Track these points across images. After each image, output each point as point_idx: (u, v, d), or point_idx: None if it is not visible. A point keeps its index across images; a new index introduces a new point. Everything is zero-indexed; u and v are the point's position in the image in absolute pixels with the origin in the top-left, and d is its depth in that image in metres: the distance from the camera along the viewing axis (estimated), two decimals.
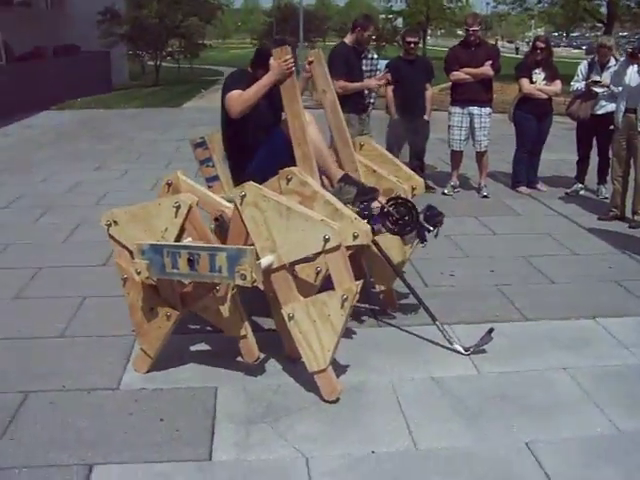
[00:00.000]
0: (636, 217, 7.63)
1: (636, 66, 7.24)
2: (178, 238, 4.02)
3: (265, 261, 3.83)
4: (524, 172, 9.24)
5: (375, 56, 8.44)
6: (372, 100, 8.29)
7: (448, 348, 4.64)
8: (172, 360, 4.46)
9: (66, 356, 4.56)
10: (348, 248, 3.96)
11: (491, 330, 4.61)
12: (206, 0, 33.38)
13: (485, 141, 8.90)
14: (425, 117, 8.71)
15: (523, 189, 9.16)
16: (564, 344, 4.75)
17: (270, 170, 4.21)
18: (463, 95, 8.72)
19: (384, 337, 4.86)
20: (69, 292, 5.60)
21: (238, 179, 4.63)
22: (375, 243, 4.64)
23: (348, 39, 8.00)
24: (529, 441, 3.65)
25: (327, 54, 7.32)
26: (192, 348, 4.65)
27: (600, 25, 36.91)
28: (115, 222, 4.17)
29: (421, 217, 4.68)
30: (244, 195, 3.85)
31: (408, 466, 3.45)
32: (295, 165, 4.34)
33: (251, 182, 3.93)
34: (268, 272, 3.89)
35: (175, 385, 4.21)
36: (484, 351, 4.60)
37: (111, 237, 4.24)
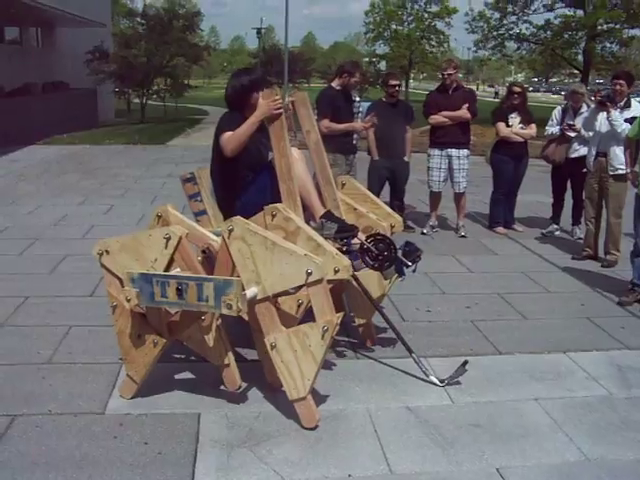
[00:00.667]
0: (608, 257, 7.87)
1: (605, 113, 7.52)
2: (167, 268, 4.16)
3: (250, 292, 3.98)
4: (501, 213, 9.49)
5: (357, 98, 8.68)
6: (355, 142, 8.51)
7: (424, 380, 4.80)
8: (157, 387, 4.58)
9: (52, 382, 4.66)
10: (329, 282, 4.11)
11: (465, 362, 4.77)
12: (194, 42, 33.78)
13: (464, 182, 9.14)
14: (405, 158, 8.95)
15: (500, 229, 9.39)
16: (536, 377, 4.92)
17: (257, 206, 4.40)
18: (441, 138, 8.97)
19: (362, 368, 5.00)
20: (55, 321, 5.71)
21: (226, 214, 4.78)
22: (355, 278, 4.78)
23: (335, 83, 8.24)
24: (500, 467, 3.80)
25: (312, 96, 7.57)
26: (177, 376, 4.77)
27: (577, 72, 37.74)
28: (107, 251, 4.32)
29: (400, 253, 4.85)
30: (232, 229, 4.01)
31: None
32: (281, 201, 4.51)
33: (239, 217, 4.09)
34: (252, 303, 4.04)
35: (160, 411, 4.32)
36: (459, 383, 4.76)
37: (103, 266, 4.39)
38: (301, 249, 4.03)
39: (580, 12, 36.27)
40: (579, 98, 8.87)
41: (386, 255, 4.82)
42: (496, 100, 40.79)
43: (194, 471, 3.70)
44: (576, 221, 9.23)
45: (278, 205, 4.33)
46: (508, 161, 9.22)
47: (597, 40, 36.46)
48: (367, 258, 4.83)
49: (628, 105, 7.64)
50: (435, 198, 9.34)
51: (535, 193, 11.20)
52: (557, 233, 9.37)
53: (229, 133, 4.72)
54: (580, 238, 8.83)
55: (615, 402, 4.60)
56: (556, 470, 3.79)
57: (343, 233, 4.82)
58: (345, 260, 4.20)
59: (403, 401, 4.52)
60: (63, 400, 4.41)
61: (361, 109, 8.59)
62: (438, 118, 8.92)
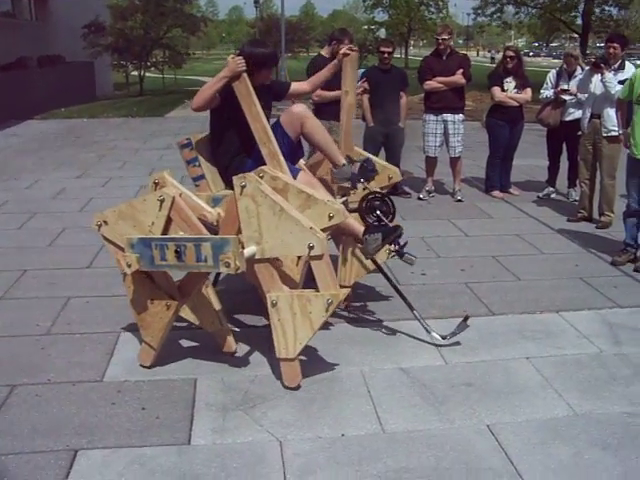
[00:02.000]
0: (602, 218, 7.92)
1: (599, 75, 7.52)
2: (165, 231, 4.19)
3: (248, 251, 4.00)
4: (497, 177, 9.52)
5: None
6: None
7: (418, 340, 4.89)
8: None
9: (51, 352, 4.74)
10: (325, 230, 4.13)
11: (466, 318, 4.82)
12: (191, 13, 33.59)
13: (459, 147, 9.16)
14: (400, 124, 8.97)
15: (496, 193, 9.43)
16: (528, 336, 4.99)
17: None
18: (436, 103, 8.97)
19: (356, 331, 5.07)
20: (54, 293, 5.78)
21: (227, 176, 4.78)
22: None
23: (325, 51, 8.24)
24: (490, 423, 3.88)
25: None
26: (174, 343, 4.83)
27: (577, 36, 37.50)
28: (105, 222, 4.36)
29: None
30: (244, 186, 4.02)
31: (375, 447, 3.67)
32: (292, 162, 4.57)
33: (252, 174, 4.10)
34: (250, 261, 4.06)
35: (157, 377, 4.40)
36: (454, 343, 4.84)
37: (103, 237, 4.44)
38: (307, 221, 4.02)
39: None
40: (572, 61, 8.86)
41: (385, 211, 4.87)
42: (493, 65, 40.63)
43: (190, 434, 3.78)
44: (572, 183, 9.26)
45: (263, 167, 4.34)
46: (503, 125, 9.23)
47: (595, 3, 36.21)
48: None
49: (622, 67, 7.64)
50: (431, 163, 9.37)
51: (531, 157, 11.21)
52: (553, 196, 9.40)
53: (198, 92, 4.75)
54: (576, 200, 8.85)
55: (605, 359, 4.67)
56: (545, 425, 3.87)
57: (389, 237, 4.75)
58: (337, 204, 4.25)
59: (396, 362, 4.60)
60: (62, 369, 4.49)
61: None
62: (432, 84, 8.92)
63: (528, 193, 9.57)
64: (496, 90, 9.19)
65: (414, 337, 4.97)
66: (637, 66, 7.70)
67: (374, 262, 5.11)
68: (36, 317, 5.29)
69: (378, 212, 4.84)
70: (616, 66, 7.60)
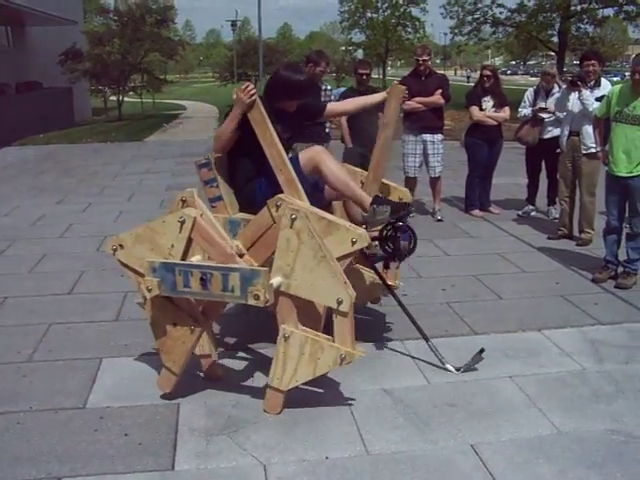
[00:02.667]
0: (582, 235, 7.98)
1: (577, 93, 7.60)
2: (185, 254, 4.12)
3: (276, 281, 3.94)
4: (477, 196, 9.57)
5: (328, 87, 8.70)
6: (327, 130, 8.55)
7: (404, 360, 4.89)
8: (136, 380, 4.66)
9: (33, 380, 4.69)
10: (347, 256, 4.12)
11: (482, 350, 4.77)
12: (168, 37, 33.65)
13: (439, 167, 9.21)
14: None
15: (476, 212, 9.48)
16: (510, 355, 5.01)
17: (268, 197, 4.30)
18: (416, 123, 9.02)
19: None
20: (35, 320, 5.74)
21: (244, 200, 4.75)
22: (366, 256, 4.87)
23: None
24: (474, 443, 3.89)
25: None
26: (156, 368, 4.80)
27: (553, 54, 37.92)
28: (121, 246, 4.30)
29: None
30: (295, 219, 3.94)
31: (359, 469, 3.66)
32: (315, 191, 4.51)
33: (306, 208, 4.03)
34: (275, 292, 3.98)
35: (139, 403, 4.37)
36: (436, 362, 4.85)
37: (119, 262, 4.38)
38: (342, 275, 3.95)
39: None
40: (550, 79, 8.96)
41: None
42: (469, 84, 41.02)
43: (174, 459, 3.76)
44: (551, 201, 9.33)
45: (281, 195, 4.23)
46: (482, 144, 9.30)
47: (572, 21, 36.65)
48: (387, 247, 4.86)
49: (598, 84, 7.72)
50: (411, 183, 9.38)
51: (511, 175, 11.29)
52: (533, 214, 9.46)
53: (216, 132, 4.70)
54: (556, 218, 8.91)
55: (587, 376, 4.69)
56: (529, 444, 3.87)
57: (397, 213, 4.70)
58: (360, 229, 4.18)
59: (379, 383, 4.60)
60: (44, 397, 4.45)
61: (332, 97, 8.62)
62: (412, 104, 8.95)
63: (508, 211, 9.62)
64: (474, 109, 9.26)
65: (396, 358, 4.98)
66: (613, 83, 7.82)
67: (387, 286, 5.08)
68: (17, 344, 5.24)
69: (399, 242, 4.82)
70: (592, 83, 7.68)
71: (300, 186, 4.36)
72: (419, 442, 3.92)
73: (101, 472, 3.65)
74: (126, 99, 33.15)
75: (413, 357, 5.01)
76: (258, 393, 4.41)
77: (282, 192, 4.28)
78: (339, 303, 3.89)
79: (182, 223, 4.09)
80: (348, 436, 3.98)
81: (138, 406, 4.33)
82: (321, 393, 4.46)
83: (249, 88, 4.39)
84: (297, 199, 4.28)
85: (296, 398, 4.30)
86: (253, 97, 4.36)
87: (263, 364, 4.67)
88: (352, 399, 4.39)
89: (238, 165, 4.81)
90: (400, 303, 5.10)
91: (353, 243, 4.08)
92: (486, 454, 3.77)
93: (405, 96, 5.13)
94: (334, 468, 3.67)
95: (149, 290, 4.05)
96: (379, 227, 4.90)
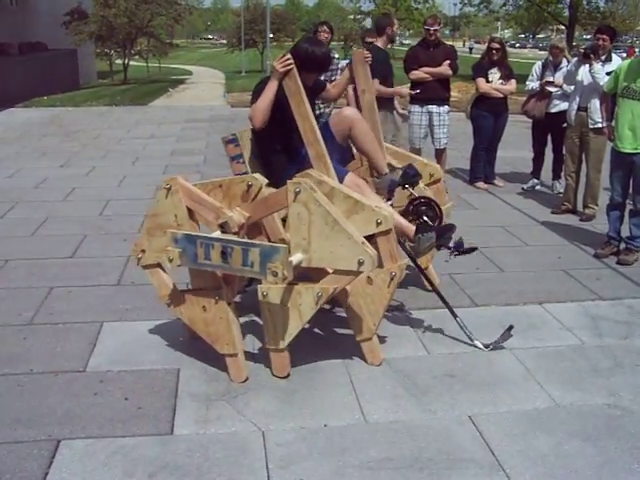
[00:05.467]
0: (586, 210, 7.97)
1: (588, 66, 7.53)
2: (191, 216, 4.17)
3: (296, 258, 3.90)
4: (481, 168, 9.55)
5: (336, 55, 8.65)
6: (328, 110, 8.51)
7: (404, 330, 4.91)
8: (137, 344, 4.68)
9: (34, 342, 4.71)
10: (372, 236, 4.12)
11: (510, 327, 4.74)
12: (175, 1, 33.44)
13: (444, 139, 9.17)
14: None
15: (481, 184, 9.46)
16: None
17: (294, 170, 4.35)
18: (422, 94, 8.95)
19: (338, 322, 5.07)
20: (36, 283, 5.75)
21: (271, 174, 4.65)
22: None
23: None
24: (472, 414, 3.90)
25: None
26: (157, 333, 4.84)
27: (563, 28, 37.61)
28: (142, 251, 4.36)
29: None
30: (298, 192, 3.90)
31: (357, 437, 3.68)
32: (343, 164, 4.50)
33: (308, 180, 3.96)
34: (297, 269, 3.94)
35: (140, 367, 4.40)
36: (437, 333, 4.89)
37: (145, 268, 4.44)
38: (360, 236, 3.93)
39: None
40: (557, 53, 8.88)
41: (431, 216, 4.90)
42: (472, 56, 40.74)
43: (173, 424, 3.78)
44: (556, 175, 9.30)
45: (309, 170, 4.24)
46: (488, 116, 9.26)
47: None
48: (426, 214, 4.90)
49: (610, 59, 7.65)
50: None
51: (517, 149, 11.25)
52: (537, 188, 9.44)
53: (253, 106, 4.67)
54: (560, 192, 8.89)
55: (586, 350, 4.71)
56: (526, 416, 3.89)
57: (444, 236, 4.76)
58: (385, 211, 4.18)
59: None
60: (44, 360, 4.47)
61: (340, 65, 8.57)
62: (419, 74, 8.91)
63: (512, 185, 9.62)
64: (481, 81, 9.21)
65: (397, 328, 4.99)
66: (623, 58, 7.75)
67: (414, 263, 5.07)
68: (18, 307, 5.26)
69: (425, 218, 4.87)
70: (604, 58, 7.61)
71: (329, 162, 4.37)
72: (417, 412, 3.94)
73: (100, 435, 3.67)
74: (132, 63, 33.08)
75: (414, 327, 5.01)
76: (258, 360, 4.44)
77: (307, 167, 4.30)
78: (360, 264, 3.84)
79: (168, 190, 4.15)
80: (347, 405, 3.99)
81: (138, 370, 4.35)
82: (320, 362, 4.48)
83: (285, 58, 4.39)
84: (325, 174, 4.29)
85: (295, 366, 4.32)
86: (289, 66, 4.35)
87: (259, 330, 4.71)
88: (351, 367, 4.41)
89: (265, 137, 4.82)
90: (431, 282, 5.21)
91: (378, 224, 4.08)
92: (483, 425, 3.79)
93: (367, 56, 5.08)
94: (332, 436, 3.69)
95: (170, 260, 4.05)
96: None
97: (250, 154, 4.99)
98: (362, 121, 4.91)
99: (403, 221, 4.77)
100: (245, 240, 3.97)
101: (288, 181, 3.96)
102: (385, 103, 7.64)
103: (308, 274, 4.11)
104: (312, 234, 3.91)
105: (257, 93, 4.69)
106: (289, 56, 4.41)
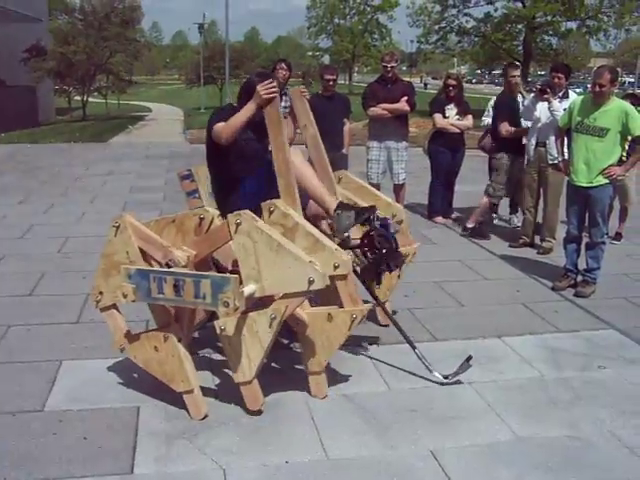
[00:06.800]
0: (544, 244, 8.09)
1: (546, 103, 7.69)
2: (142, 252, 4.16)
3: (248, 289, 3.91)
4: (439, 203, 9.64)
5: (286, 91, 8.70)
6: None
7: (364, 366, 4.91)
8: (96, 382, 4.63)
9: None
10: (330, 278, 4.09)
11: (469, 358, 4.77)
12: (134, 38, 33.49)
13: (402, 174, 9.27)
14: (344, 151, 8.99)
15: (439, 219, 9.56)
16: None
17: (255, 201, 4.30)
18: (380, 130, 9.06)
19: (298, 358, 5.06)
20: None
21: (224, 210, 4.60)
22: (355, 272, 4.84)
23: None
24: (434, 449, 3.92)
25: None
26: (116, 370, 4.79)
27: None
28: (100, 293, 4.34)
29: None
30: (239, 223, 3.94)
31: (319, 473, 3.67)
32: (278, 196, 4.45)
33: (247, 211, 4.00)
34: (249, 300, 3.96)
35: (99, 406, 4.34)
36: (397, 368, 4.89)
37: (102, 311, 4.42)
38: (306, 255, 3.96)
39: (519, 4, 36.96)
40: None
41: (387, 250, 4.80)
42: (426, 91, 41.32)
43: (133, 463, 3.74)
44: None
45: (276, 201, 4.26)
46: (445, 151, 9.38)
47: (536, 32, 37.21)
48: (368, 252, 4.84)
49: (566, 96, 7.82)
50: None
51: (474, 183, 11.36)
52: (495, 222, 9.55)
53: (222, 123, 4.67)
54: (517, 226, 9.02)
55: (546, 383, 4.76)
56: (488, 449, 3.92)
57: (362, 216, 4.72)
58: (345, 255, 4.19)
59: (340, 389, 4.62)
60: (2, 399, 4.40)
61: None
62: (377, 110, 9.01)
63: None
64: (438, 117, 9.33)
65: (357, 363, 5.01)
66: (577, 94, 7.92)
67: (373, 296, 5.12)
68: None
69: (380, 248, 4.83)
70: (561, 94, 7.78)
71: (297, 195, 4.38)
72: (379, 447, 3.94)
73: (59, 476, 3.62)
74: (91, 99, 32.98)
75: (374, 362, 5.03)
76: (218, 396, 4.43)
77: (269, 196, 4.32)
78: (311, 283, 3.85)
79: (117, 227, 4.18)
80: (308, 441, 3.99)
81: (98, 409, 4.30)
82: (282, 399, 4.47)
83: (271, 84, 4.38)
84: (291, 206, 4.31)
85: (262, 398, 4.30)
86: (273, 94, 4.37)
87: (218, 366, 4.78)
88: (313, 403, 4.41)
89: (223, 171, 4.85)
90: (388, 315, 5.24)
91: (335, 267, 4.09)
92: (445, 459, 3.81)
93: (304, 91, 5.10)
94: (294, 473, 3.68)
95: (125, 296, 4.06)
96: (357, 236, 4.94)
97: (208, 189, 5.01)
98: (299, 162, 4.71)
99: (327, 195, 4.77)
100: (196, 272, 3.99)
101: (228, 215, 4.02)
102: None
103: (261, 302, 4.11)
104: (260, 262, 3.94)
105: (218, 117, 4.75)
106: (274, 83, 4.42)
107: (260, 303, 4.09)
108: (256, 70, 4.86)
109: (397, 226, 5.08)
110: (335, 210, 4.68)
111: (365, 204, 5.07)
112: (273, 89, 4.37)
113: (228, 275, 3.90)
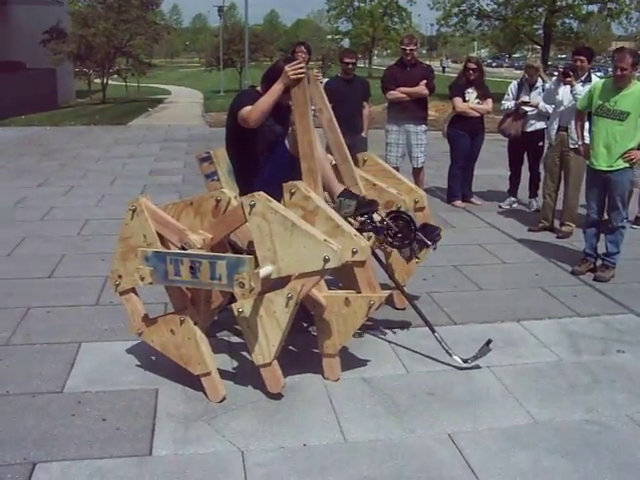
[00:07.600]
0: (563, 228, 8.03)
1: (569, 87, 7.61)
2: (159, 235, 4.17)
3: (264, 271, 3.91)
4: (459, 187, 9.60)
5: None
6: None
7: (383, 349, 4.91)
8: (115, 365, 4.65)
9: (10, 363, 4.67)
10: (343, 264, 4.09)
11: (489, 342, 4.75)
12: (154, 21, 33.52)
13: (422, 157, 9.24)
14: (363, 134, 8.97)
15: (458, 203, 9.51)
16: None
17: (275, 184, 4.28)
18: (399, 113, 9.02)
19: (316, 342, 5.06)
20: (14, 303, 5.70)
21: (243, 191, 4.65)
22: (374, 254, 4.84)
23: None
24: (451, 432, 3.91)
25: None
26: (135, 353, 4.82)
27: (538, 47, 38.11)
28: (119, 276, 4.37)
29: (419, 234, 4.89)
30: (253, 204, 3.92)
31: (337, 457, 3.67)
32: (299, 179, 4.42)
33: (261, 192, 3.98)
34: (266, 281, 3.95)
35: (118, 388, 4.37)
36: (415, 351, 4.89)
37: (121, 295, 4.45)
38: (321, 234, 3.95)
39: None
40: (533, 72, 8.99)
41: (405, 233, 4.83)
42: (444, 74, 41.09)
43: (152, 445, 3.76)
44: (533, 194, 9.39)
45: (298, 183, 4.24)
46: (464, 135, 9.32)
47: (557, 15, 36.85)
48: (385, 235, 4.83)
49: (589, 79, 7.73)
50: None
51: (494, 167, 11.33)
52: (514, 206, 9.50)
53: (249, 107, 4.68)
54: (537, 210, 8.97)
55: (564, 367, 4.74)
56: (505, 434, 3.91)
57: (363, 209, 4.74)
58: (363, 241, 4.19)
59: (358, 372, 4.62)
60: (21, 381, 4.43)
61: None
62: (396, 94, 8.98)
63: (490, 203, 9.67)
64: (458, 101, 9.28)
65: (376, 346, 5.00)
66: (599, 78, 7.84)
67: (392, 279, 5.12)
68: None
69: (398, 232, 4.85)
70: (583, 78, 7.70)
71: (319, 179, 4.40)
72: (397, 430, 3.94)
73: (78, 457, 3.64)
74: (110, 82, 33.07)
75: (392, 345, 5.02)
76: (237, 379, 4.44)
77: (287, 179, 4.30)
78: (326, 261, 3.83)
79: (134, 211, 4.19)
80: (326, 424, 3.99)
81: (116, 391, 4.33)
82: (300, 382, 4.47)
83: (298, 65, 4.40)
84: (313, 189, 4.31)
85: (284, 380, 4.30)
86: (300, 75, 4.37)
87: (236, 349, 4.80)
88: (331, 387, 4.41)
89: (244, 154, 4.87)
90: (408, 298, 5.24)
91: (354, 253, 4.08)
92: (463, 443, 3.80)
93: (317, 75, 5.07)
94: (312, 455, 3.69)
95: (142, 279, 4.06)
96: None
97: (228, 170, 5.00)
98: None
99: (336, 182, 4.84)
100: (212, 253, 3.99)
101: (242, 197, 4.02)
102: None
103: (279, 283, 4.10)
104: (275, 243, 3.92)
105: (245, 99, 4.77)
106: (302, 64, 4.42)
107: (278, 285, 4.08)
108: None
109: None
110: (339, 196, 4.72)
111: (376, 195, 5.10)
112: (301, 69, 4.38)
113: (243, 256, 3.89)
